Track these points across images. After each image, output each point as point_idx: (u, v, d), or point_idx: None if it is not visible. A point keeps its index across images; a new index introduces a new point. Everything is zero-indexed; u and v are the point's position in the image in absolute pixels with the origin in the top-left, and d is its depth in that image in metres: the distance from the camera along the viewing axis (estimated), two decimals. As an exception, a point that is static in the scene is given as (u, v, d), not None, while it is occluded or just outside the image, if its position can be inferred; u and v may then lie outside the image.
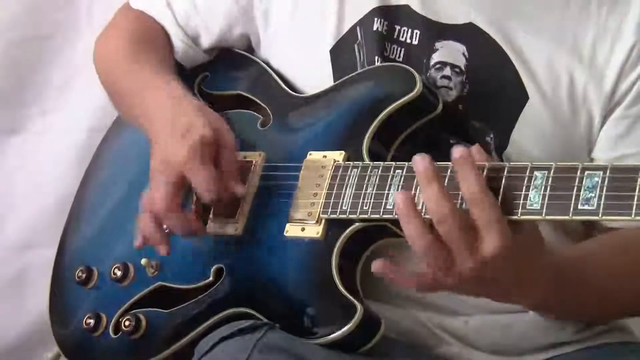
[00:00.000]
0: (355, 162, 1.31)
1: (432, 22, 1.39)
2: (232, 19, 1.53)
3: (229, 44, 1.56)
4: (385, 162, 1.28)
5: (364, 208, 1.26)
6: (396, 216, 1.21)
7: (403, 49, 1.39)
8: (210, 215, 1.40)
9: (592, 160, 1.39)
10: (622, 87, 1.36)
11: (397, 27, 1.40)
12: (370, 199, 1.26)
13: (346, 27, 1.43)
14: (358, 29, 1.42)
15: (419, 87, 1.32)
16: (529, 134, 1.36)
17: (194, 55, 1.57)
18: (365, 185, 1.27)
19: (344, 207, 1.28)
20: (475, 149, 1.13)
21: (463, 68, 1.37)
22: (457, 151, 1.10)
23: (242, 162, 1.41)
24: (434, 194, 1.10)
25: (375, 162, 1.29)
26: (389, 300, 1.37)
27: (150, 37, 1.56)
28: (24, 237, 2.10)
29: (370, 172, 1.28)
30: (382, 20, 1.40)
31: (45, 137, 2.09)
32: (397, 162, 1.26)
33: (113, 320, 1.43)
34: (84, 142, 2.01)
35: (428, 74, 1.38)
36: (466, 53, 1.38)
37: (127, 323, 1.40)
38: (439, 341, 1.38)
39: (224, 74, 1.55)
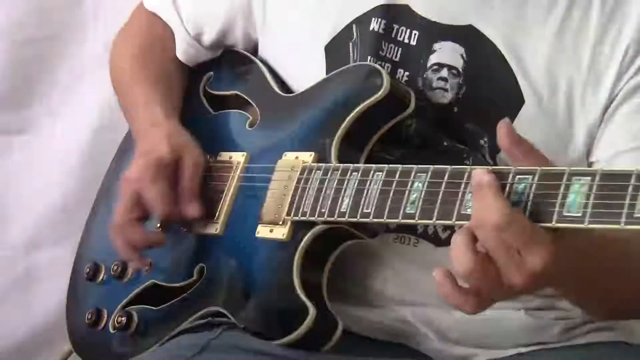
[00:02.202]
0: (319, 164, 1.31)
1: (432, 23, 1.38)
2: (232, 15, 1.55)
3: (230, 41, 1.58)
4: (344, 165, 1.28)
5: (322, 210, 1.27)
6: (350, 219, 1.22)
7: (401, 49, 1.39)
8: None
9: (591, 164, 1.36)
10: (619, 86, 1.34)
11: (396, 27, 1.39)
12: (328, 201, 1.26)
13: (343, 24, 1.43)
14: (355, 26, 1.42)
15: (385, 87, 1.31)
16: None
17: (196, 54, 1.60)
18: (324, 188, 1.28)
19: (305, 209, 1.29)
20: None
21: (460, 70, 1.36)
22: (478, 175, 1.07)
23: (226, 162, 1.44)
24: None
25: (336, 164, 1.29)
26: (371, 302, 1.38)
27: (157, 44, 1.61)
28: (29, 236, 2.11)
29: (331, 174, 1.28)
30: (380, 19, 1.40)
31: (51, 137, 2.10)
32: (355, 165, 1.27)
33: (112, 316, 1.48)
34: (90, 142, 2.04)
35: (425, 75, 1.37)
36: (464, 55, 1.36)
37: (119, 319, 1.45)
38: (423, 338, 1.38)
39: (225, 74, 1.58)
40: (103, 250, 1.56)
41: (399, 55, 1.38)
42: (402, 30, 1.39)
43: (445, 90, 1.36)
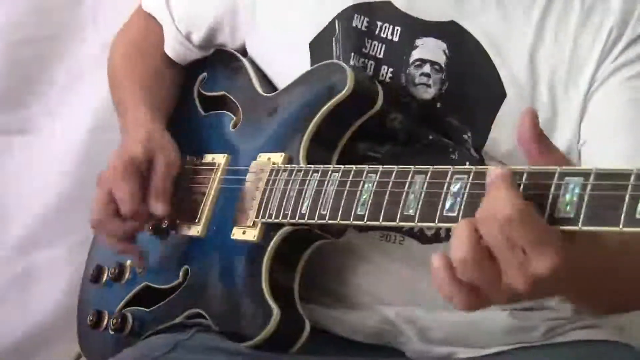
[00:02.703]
0: (285, 166, 1.32)
1: (414, 19, 1.38)
2: (220, 15, 1.56)
3: (220, 41, 1.59)
4: (307, 166, 1.29)
5: (285, 212, 1.27)
6: (309, 221, 1.22)
7: (384, 45, 1.38)
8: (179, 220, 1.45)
9: (579, 152, 1.33)
10: (598, 72, 1.32)
11: (379, 24, 1.39)
12: (291, 203, 1.27)
13: (327, 21, 1.42)
14: (337, 22, 1.41)
15: (349, 86, 1.31)
16: (507, 132, 1.33)
17: (186, 52, 1.62)
18: (288, 190, 1.28)
19: (271, 211, 1.29)
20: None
21: (443, 65, 1.35)
22: (494, 172, 0.98)
23: (209, 164, 1.46)
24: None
25: (299, 166, 1.30)
26: (356, 302, 1.37)
27: (151, 44, 1.64)
28: (28, 236, 2.10)
29: (295, 175, 1.29)
30: (363, 16, 1.40)
31: (50, 137, 2.09)
32: (316, 166, 1.27)
33: (112, 318, 1.51)
34: (88, 142, 2.03)
35: (408, 70, 1.36)
36: (447, 51, 1.36)
37: (114, 321, 1.48)
38: (405, 339, 1.37)
39: (216, 75, 1.59)
40: (106, 253, 1.59)
41: (382, 52, 1.38)
42: (385, 27, 1.39)
43: (428, 85, 1.35)
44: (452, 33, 1.35)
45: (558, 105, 1.32)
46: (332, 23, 1.42)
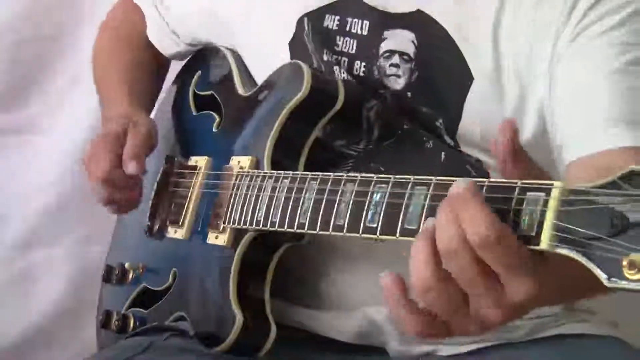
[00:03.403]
0: (247, 171, 1.33)
1: (380, 12, 1.37)
2: (203, 21, 1.58)
3: (204, 42, 1.61)
4: (264, 172, 1.29)
5: (245, 218, 1.28)
6: (262, 228, 1.23)
7: (355, 41, 1.38)
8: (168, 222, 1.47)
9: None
10: (556, 49, 1.27)
11: (349, 20, 1.39)
12: (250, 208, 1.28)
13: (295, 19, 1.43)
14: (305, 20, 1.41)
15: (305, 86, 1.31)
16: (478, 116, 1.31)
17: (170, 45, 1.65)
18: (249, 195, 1.29)
19: (235, 217, 1.31)
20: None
21: (412, 55, 1.34)
22: (460, 183, 0.90)
23: (192, 167, 1.47)
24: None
25: (258, 171, 1.31)
26: (337, 305, 1.38)
27: (132, 37, 1.68)
28: (26, 236, 2.10)
29: (254, 181, 1.30)
30: (334, 15, 1.40)
31: (48, 137, 2.10)
32: (271, 172, 1.28)
33: (116, 318, 1.56)
34: (86, 142, 1.91)
35: (378, 62, 1.36)
36: (415, 40, 1.34)
37: (117, 322, 1.52)
38: (388, 338, 1.37)
39: (208, 73, 1.60)
40: (115, 254, 1.64)
41: (354, 48, 1.38)
42: (355, 22, 1.38)
43: (398, 76, 1.34)
44: (419, 22, 1.34)
45: (526, 89, 1.28)
46: (301, 21, 1.42)
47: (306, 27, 1.41)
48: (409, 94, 1.34)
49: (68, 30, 2.08)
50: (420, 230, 0.96)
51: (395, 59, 1.34)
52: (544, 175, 0.95)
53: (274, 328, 1.29)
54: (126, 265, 1.54)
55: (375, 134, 1.35)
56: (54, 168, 2.09)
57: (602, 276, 0.79)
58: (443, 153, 1.32)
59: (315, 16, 1.40)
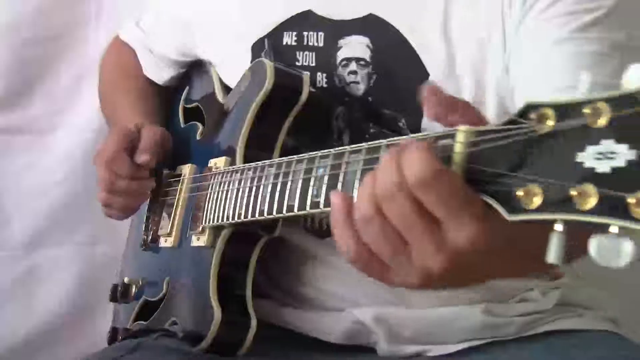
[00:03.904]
0: (222, 168, 1.35)
1: (333, 22, 1.39)
2: (179, 45, 1.63)
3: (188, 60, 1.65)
4: (234, 166, 1.31)
5: (219, 214, 1.31)
6: (232, 221, 1.25)
7: (313, 53, 1.39)
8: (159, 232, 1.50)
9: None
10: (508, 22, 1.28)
11: (305, 34, 1.40)
12: (222, 204, 1.30)
13: (253, 40, 1.45)
14: (266, 41, 1.43)
15: (269, 78, 1.33)
16: None
17: (162, 75, 1.68)
18: (220, 191, 1.32)
19: (211, 215, 1.33)
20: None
21: (368, 59, 1.35)
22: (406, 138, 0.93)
23: (178, 175, 1.49)
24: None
25: (230, 167, 1.33)
26: (326, 307, 1.39)
27: (133, 68, 1.72)
28: (30, 236, 2.09)
29: (224, 177, 1.32)
30: (291, 32, 1.41)
31: (53, 137, 2.08)
32: (236, 167, 1.30)
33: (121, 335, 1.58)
34: (91, 141, 2.02)
35: (337, 72, 1.37)
36: (370, 44, 1.35)
37: (121, 338, 1.54)
38: (377, 339, 1.37)
39: (194, 86, 1.63)
40: (122, 271, 1.67)
41: (314, 60, 1.39)
42: (311, 35, 1.40)
43: (357, 82, 1.36)
44: (372, 26, 1.35)
45: (479, 68, 1.29)
46: (261, 42, 1.43)
47: (267, 47, 1.42)
48: (370, 98, 1.35)
49: (73, 30, 2.07)
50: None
51: (353, 65, 1.35)
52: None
53: (253, 323, 1.29)
54: (126, 280, 1.56)
55: (346, 141, 1.36)
56: (58, 168, 2.08)
57: (504, 212, 0.78)
58: None
59: (274, 36, 1.42)
